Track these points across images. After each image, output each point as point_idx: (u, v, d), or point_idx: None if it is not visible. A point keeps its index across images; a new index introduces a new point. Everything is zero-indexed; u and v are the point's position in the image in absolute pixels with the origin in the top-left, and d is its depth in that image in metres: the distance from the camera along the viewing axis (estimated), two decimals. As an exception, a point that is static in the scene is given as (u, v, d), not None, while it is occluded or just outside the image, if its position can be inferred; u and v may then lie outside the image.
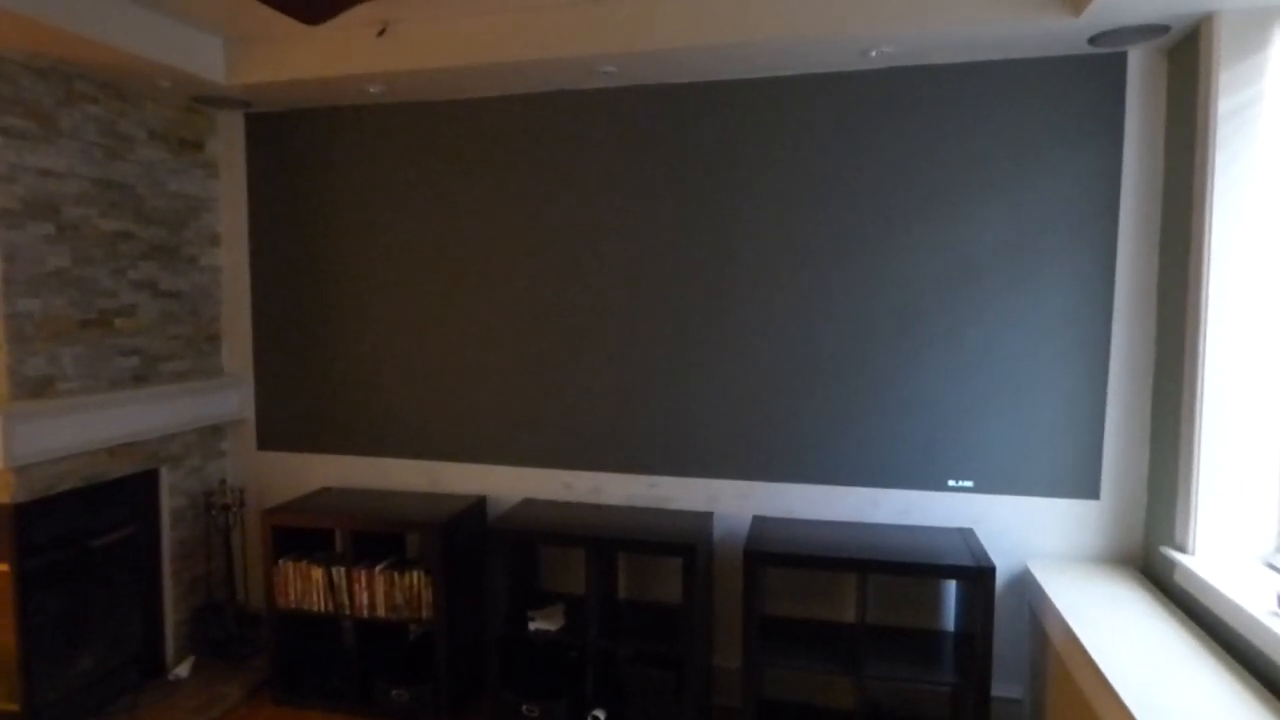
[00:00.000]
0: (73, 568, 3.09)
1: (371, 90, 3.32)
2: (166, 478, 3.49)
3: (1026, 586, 2.99)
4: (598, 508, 3.35)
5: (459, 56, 2.98)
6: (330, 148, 3.60)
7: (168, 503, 3.50)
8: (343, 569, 3.28)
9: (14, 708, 2.91)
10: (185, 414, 3.49)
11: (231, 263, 3.78)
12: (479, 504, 3.48)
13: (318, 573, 3.30)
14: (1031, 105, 2.89)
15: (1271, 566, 2.39)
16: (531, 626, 3.11)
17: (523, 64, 2.97)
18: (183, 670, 3.50)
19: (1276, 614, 2.05)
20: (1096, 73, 2.83)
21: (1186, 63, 2.61)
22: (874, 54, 2.85)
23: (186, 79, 3.15)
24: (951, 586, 3.10)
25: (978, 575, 2.66)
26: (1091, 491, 2.93)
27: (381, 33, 3.04)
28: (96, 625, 3.19)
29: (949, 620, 3.10)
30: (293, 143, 3.64)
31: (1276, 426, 2.40)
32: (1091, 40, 2.66)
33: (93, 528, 3.18)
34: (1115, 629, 2.36)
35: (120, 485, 3.28)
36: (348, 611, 3.29)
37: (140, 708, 3.23)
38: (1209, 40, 2.41)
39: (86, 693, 3.13)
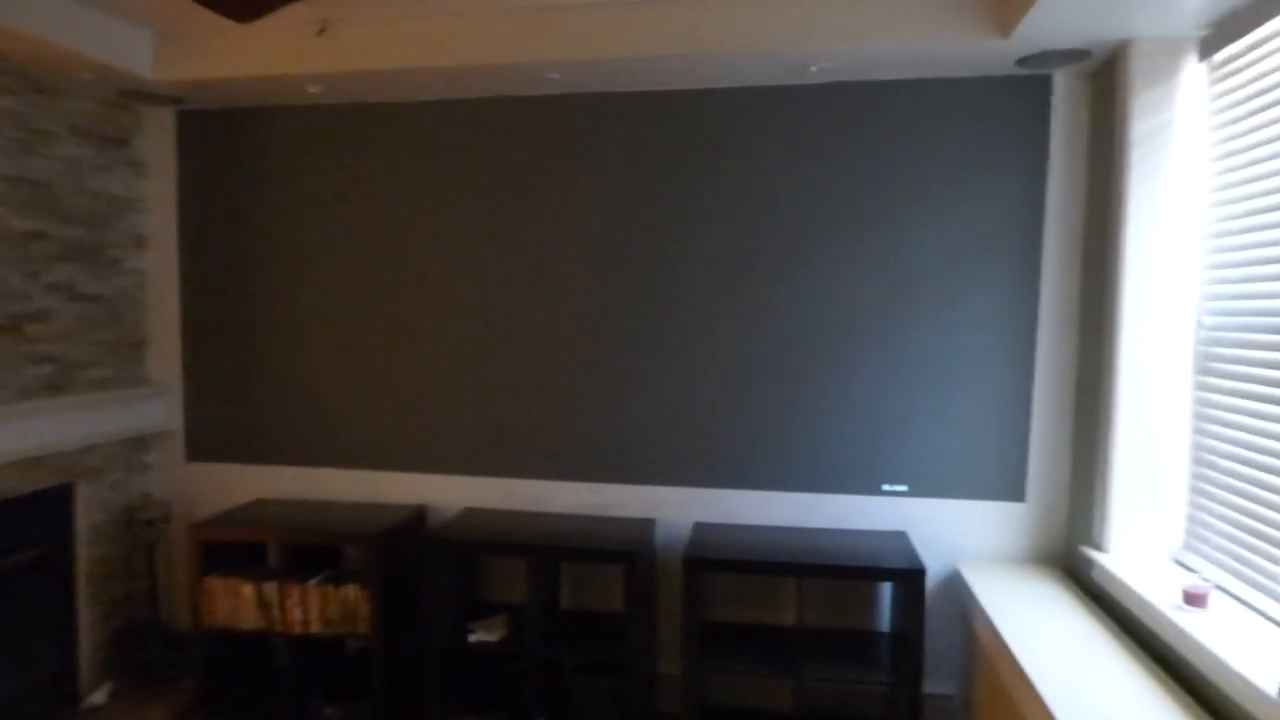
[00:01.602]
0: (-22, 589, 2.91)
1: (311, 90, 3.25)
2: (84, 492, 3.31)
3: (957, 587, 3.11)
4: (540, 516, 3.33)
5: (401, 59, 2.94)
6: (267, 148, 3.50)
7: (84, 519, 3.32)
8: (275, 584, 3.17)
9: (-89, 740, 2.72)
10: (106, 425, 3.32)
11: (159, 266, 3.62)
12: (419, 514, 3.42)
13: (248, 589, 3.19)
14: (964, 123, 3.02)
15: (1179, 563, 2.54)
16: (472, 638, 3.07)
17: (467, 69, 2.95)
18: (98, 697, 3.32)
19: (1181, 608, 2.18)
20: (1024, 93, 2.97)
21: (1106, 87, 2.77)
22: (814, 69, 2.93)
23: (111, 72, 3.01)
24: (886, 588, 3.19)
25: (910, 577, 2.75)
26: (1018, 495, 3.07)
27: (321, 32, 2.98)
28: (2, 651, 3.00)
29: (884, 621, 3.19)
30: (227, 142, 3.52)
31: (1183, 431, 2.55)
32: (1019, 62, 2.80)
33: None
34: (1037, 626, 2.47)
35: (31, 501, 3.10)
36: (280, 628, 3.18)
37: (53, 735, 3.06)
38: (1125, 66, 2.57)
39: (-8, 721, 2.95)
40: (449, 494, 3.47)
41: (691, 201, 3.21)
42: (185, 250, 3.59)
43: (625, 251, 3.27)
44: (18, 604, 3.08)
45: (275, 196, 3.51)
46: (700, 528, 3.18)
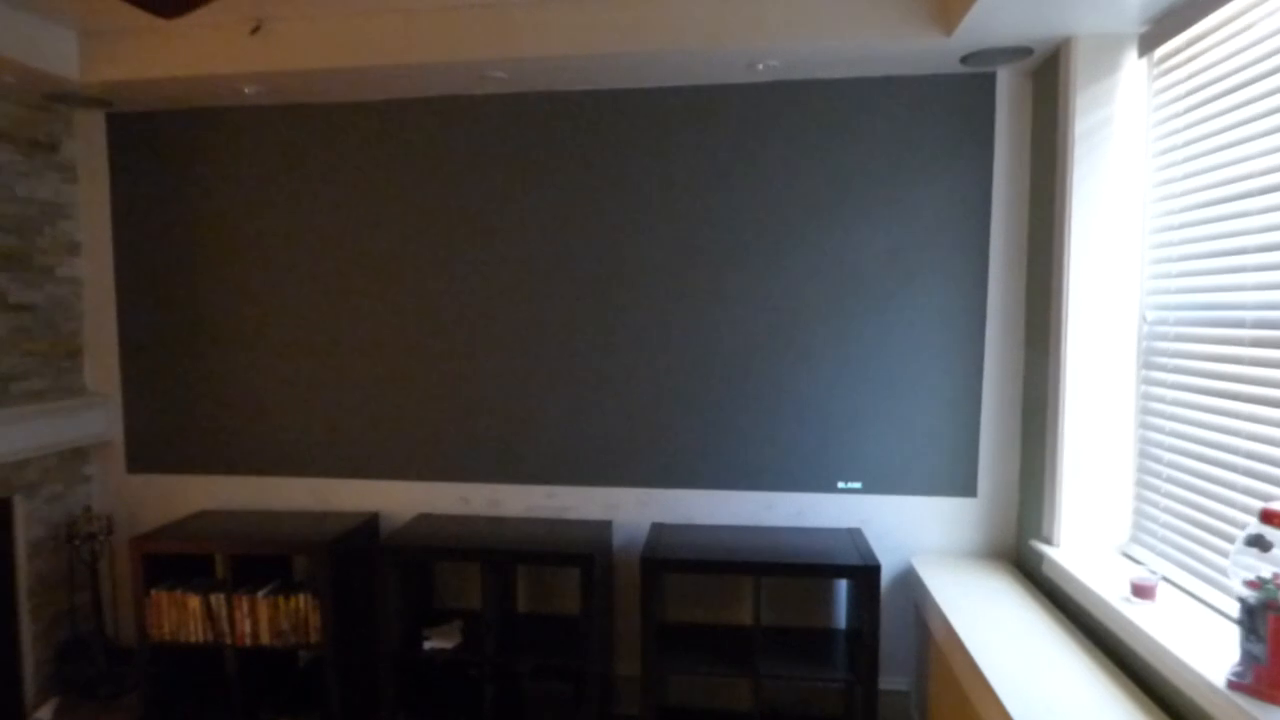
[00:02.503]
0: (-91, 610, 2.81)
1: (246, 91, 3.15)
2: (21, 507, 3.21)
3: (911, 582, 3.12)
4: (495, 520, 3.29)
5: (339, 58, 2.86)
6: (203, 151, 3.39)
7: (24, 534, 3.22)
8: (222, 596, 3.10)
9: None
10: (42, 437, 3.22)
11: (94, 273, 3.51)
12: (371, 521, 3.36)
13: (194, 601, 3.11)
14: (910, 121, 3.01)
15: (1126, 556, 2.57)
16: (427, 645, 3.02)
17: (409, 67, 2.88)
18: (44, 714, 3.24)
19: (1129, 600, 2.20)
20: (969, 91, 2.97)
21: (1048, 84, 2.78)
22: (761, 67, 2.90)
23: (33, 75, 2.90)
24: (843, 585, 3.19)
25: (864, 573, 2.75)
26: (969, 490, 3.08)
27: (255, 30, 2.89)
28: (-61, 671, 2.92)
29: (841, 618, 3.20)
30: (161, 145, 3.41)
31: (1129, 426, 2.57)
32: (963, 60, 2.79)
33: (-68, 565, 2.90)
34: (989, 619, 2.49)
35: (-35, 517, 3.01)
36: (229, 640, 3.12)
37: (-7, 758, 2.97)
38: (1066, 63, 2.57)
39: (-72, 746, 2.86)
40: (402, 500, 3.41)
41: (641, 202, 3.17)
42: (121, 256, 3.49)
43: (575, 252, 3.22)
44: (-47, 624, 2.98)
45: (213, 200, 3.41)
46: (657, 528, 3.16)
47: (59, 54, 2.91)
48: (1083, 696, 2.02)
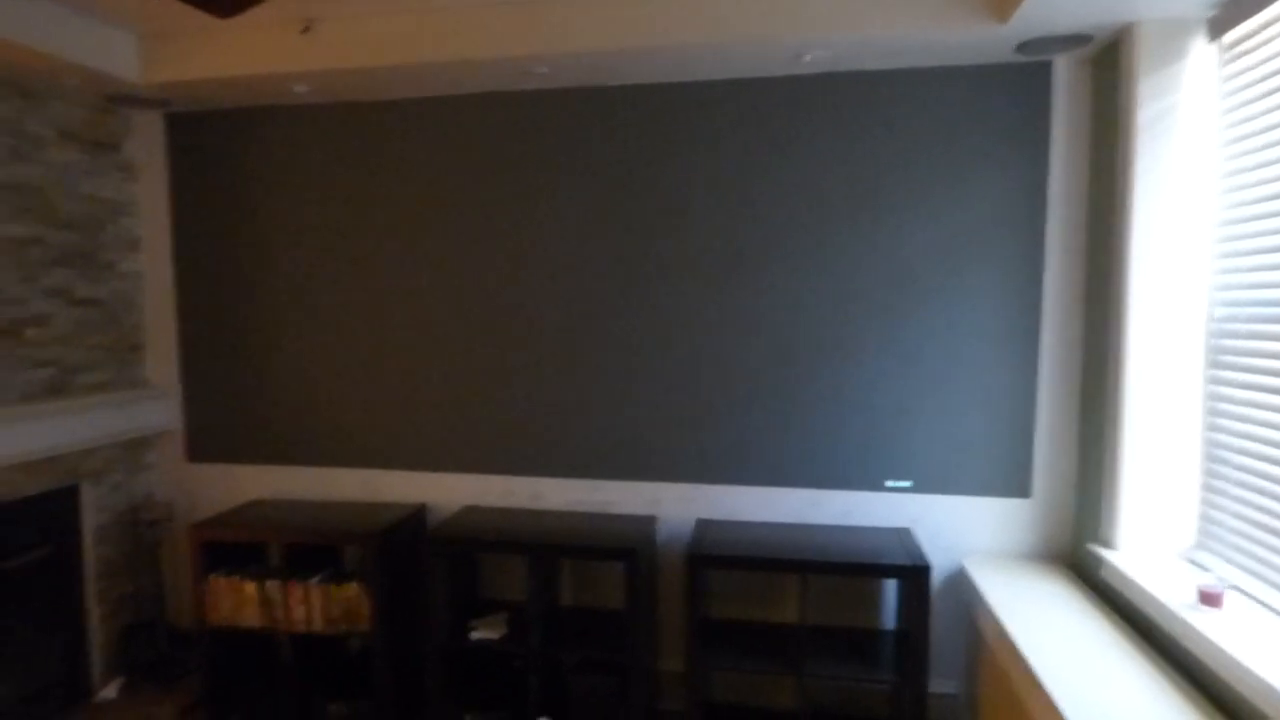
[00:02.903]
0: (-16, 592, 2.95)
1: (297, 90, 3.21)
2: (89, 494, 3.34)
3: (962, 584, 3.06)
4: (539, 514, 3.31)
5: (387, 56, 2.89)
6: (256, 148, 3.47)
7: (90, 520, 3.35)
8: (277, 583, 3.18)
9: (-78, 742, 2.76)
10: (107, 427, 3.34)
11: (154, 268, 3.62)
12: (418, 512, 3.41)
13: (251, 587, 3.20)
14: (962, 111, 2.93)
15: (1192, 562, 2.47)
16: (473, 636, 3.06)
17: (454, 64, 2.90)
18: (110, 692, 3.36)
19: (1196, 608, 2.12)
20: (1024, 80, 2.88)
21: (1108, 72, 2.67)
22: (807, 58, 2.85)
23: (96, 77, 2.99)
24: (891, 586, 3.14)
25: (914, 574, 2.70)
26: (1023, 490, 3.00)
27: (305, 30, 2.93)
28: (13, 651, 3.05)
29: (889, 619, 3.15)
30: (216, 143, 3.50)
31: (1195, 426, 2.47)
32: (1018, 48, 2.70)
33: (5, 549, 3.02)
34: (1044, 624, 2.42)
35: (36, 503, 3.13)
36: (283, 626, 3.20)
37: (63, 734, 3.10)
38: (1129, 50, 2.47)
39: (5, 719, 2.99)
40: (448, 492, 3.46)
41: (686, 195, 3.15)
42: (179, 252, 3.59)
43: (621, 246, 3.22)
44: (30, 602, 3.12)
45: (266, 197, 3.48)
46: (702, 524, 3.15)
47: (120, 57, 2.99)
48: (1145, 706, 1.95)
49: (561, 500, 3.37)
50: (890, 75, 2.96)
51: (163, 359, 3.65)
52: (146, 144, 3.56)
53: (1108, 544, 2.62)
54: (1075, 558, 2.94)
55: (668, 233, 3.18)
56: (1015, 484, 3.00)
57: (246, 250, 3.53)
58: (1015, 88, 2.88)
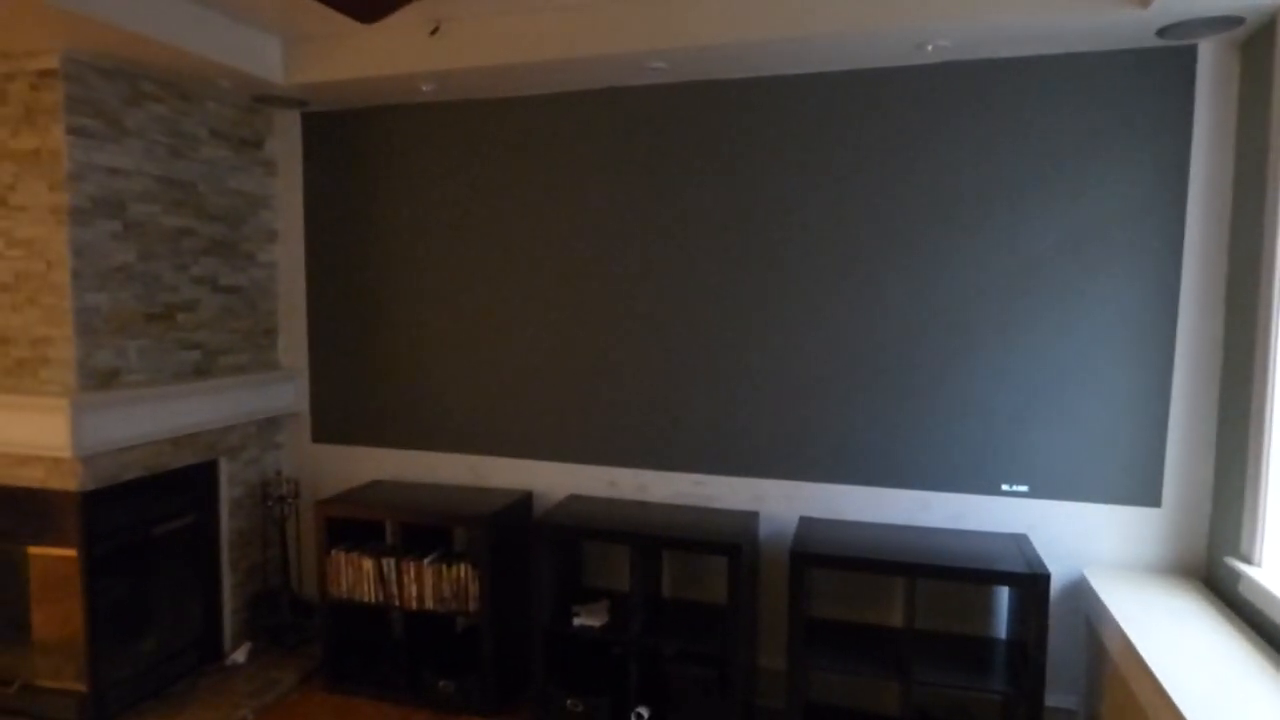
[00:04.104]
0: (136, 554, 3.21)
1: (423, 89, 3.36)
2: (225, 468, 3.59)
3: (1083, 595, 2.92)
4: (642, 505, 3.36)
5: (510, 54, 3.00)
6: (383, 146, 3.65)
7: (227, 493, 3.60)
8: (393, 560, 3.34)
9: (81, 688, 3.03)
10: (244, 406, 3.58)
11: (288, 259, 3.86)
12: (525, 499, 3.51)
13: (368, 564, 3.37)
14: (1094, 101, 2.80)
15: (1346, 581, 2.29)
16: (576, 622, 3.13)
17: (574, 61, 2.98)
18: (240, 655, 3.60)
19: (1352, 632, 1.97)
20: (1164, 67, 2.73)
21: (1260, 57, 2.51)
22: (930, 48, 2.79)
23: (246, 79, 3.22)
24: (1004, 593, 3.03)
25: (1032, 582, 2.60)
26: (1152, 499, 2.85)
27: (434, 31, 3.07)
28: (158, 610, 3.31)
29: (1000, 628, 3.04)
30: (347, 141, 3.70)
31: (1354, 436, 2.30)
32: (1160, 33, 2.57)
33: (155, 516, 3.29)
34: (1176, 641, 2.29)
35: (181, 475, 3.39)
36: (397, 602, 3.35)
37: (199, 690, 3.33)
38: (1288, 32, 2.31)
39: (148, 675, 3.24)
40: (554, 481, 3.55)
41: (799, 189, 3.13)
42: (310, 244, 3.81)
43: (732, 241, 3.23)
44: (173, 566, 3.38)
45: (391, 192, 3.66)
46: (806, 522, 3.12)
47: (266, 60, 3.21)
48: (1295, 731, 1.83)
49: (665, 493, 3.40)
50: (1017, 63, 2.86)
51: (294, 344, 3.89)
52: (285, 142, 3.81)
53: (1247, 558, 2.46)
54: (1209, 572, 2.77)
55: (781, 227, 3.17)
56: (1144, 492, 2.85)
57: (370, 243, 3.72)
58: (1155, 75, 2.74)
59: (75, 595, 3.00)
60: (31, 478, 2.94)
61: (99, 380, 3.01)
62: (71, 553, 2.98)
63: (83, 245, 2.93)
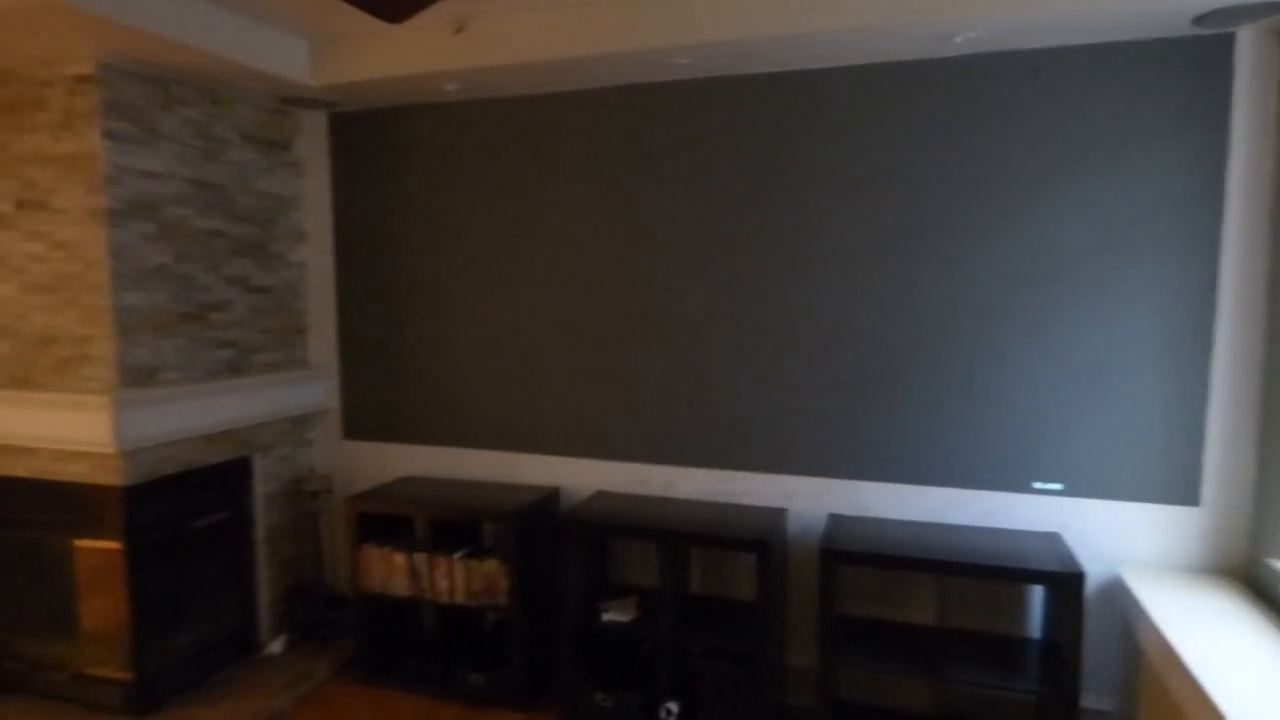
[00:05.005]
0: (175, 548, 3.29)
1: (448, 88, 3.38)
2: (259, 464, 3.65)
3: (1118, 595, 2.87)
4: (670, 501, 3.36)
5: (534, 52, 3.00)
6: (409, 145, 3.68)
7: (261, 488, 3.67)
8: (423, 555, 3.38)
9: (126, 676, 3.11)
10: (276, 404, 3.64)
11: (317, 259, 3.91)
12: (552, 495, 3.53)
13: (400, 558, 3.41)
14: (1126, 92, 2.73)
15: (1395, 583, 2.23)
16: (604, 618, 3.15)
17: (598, 57, 2.97)
18: (276, 647, 3.67)
19: (1401, 636, 1.92)
20: (1200, 55, 2.66)
21: (1308, 41, 2.43)
22: (958, 39, 2.74)
23: (275, 81, 3.26)
24: (1037, 592, 2.99)
25: (1066, 581, 2.57)
26: (1191, 498, 2.79)
27: (459, 30, 3.08)
28: (197, 603, 3.39)
29: (1033, 627, 3.00)
30: (373, 141, 3.73)
31: (1404, 434, 2.23)
32: (1196, 20, 2.50)
33: (192, 511, 3.36)
34: (1217, 643, 2.25)
35: (217, 471, 3.46)
36: (428, 597, 3.40)
37: (237, 681, 3.41)
38: (1335, 16, 2.24)
39: (190, 665, 3.33)
40: (581, 477, 3.56)
41: (824, 185, 3.10)
42: (339, 244, 3.86)
43: (756, 238, 3.21)
44: (211, 560, 3.46)
45: (417, 191, 3.69)
46: (835, 519, 3.10)
47: (293, 62, 3.25)
48: (1339, 738, 1.78)
49: (693, 489, 3.40)
50: (1046, 54, 2.80)
51: (323, 343, 3.94)
52: (312, 143, 3.85)
53: (1292, 560, 2.40)
54: (1251, 572, 2.71)
55: (808, 222, 3.14)
56: (1181, 490, 2.79)
57: (397, 242, 3.75)
58: (1190, 64, 2.67)
59: (119, 587, 3.08)
60: (77, 472, 3.02)
61: (137, 378, 3.07)
62: (115, 545, 3.07)
63: (119, 246, 2.99)
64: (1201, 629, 2.34)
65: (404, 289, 3.76)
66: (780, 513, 3.20)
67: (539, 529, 3.39)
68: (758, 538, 2.90)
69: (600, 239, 3.43)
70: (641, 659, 3.35)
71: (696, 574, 3.44)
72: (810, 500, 3.24)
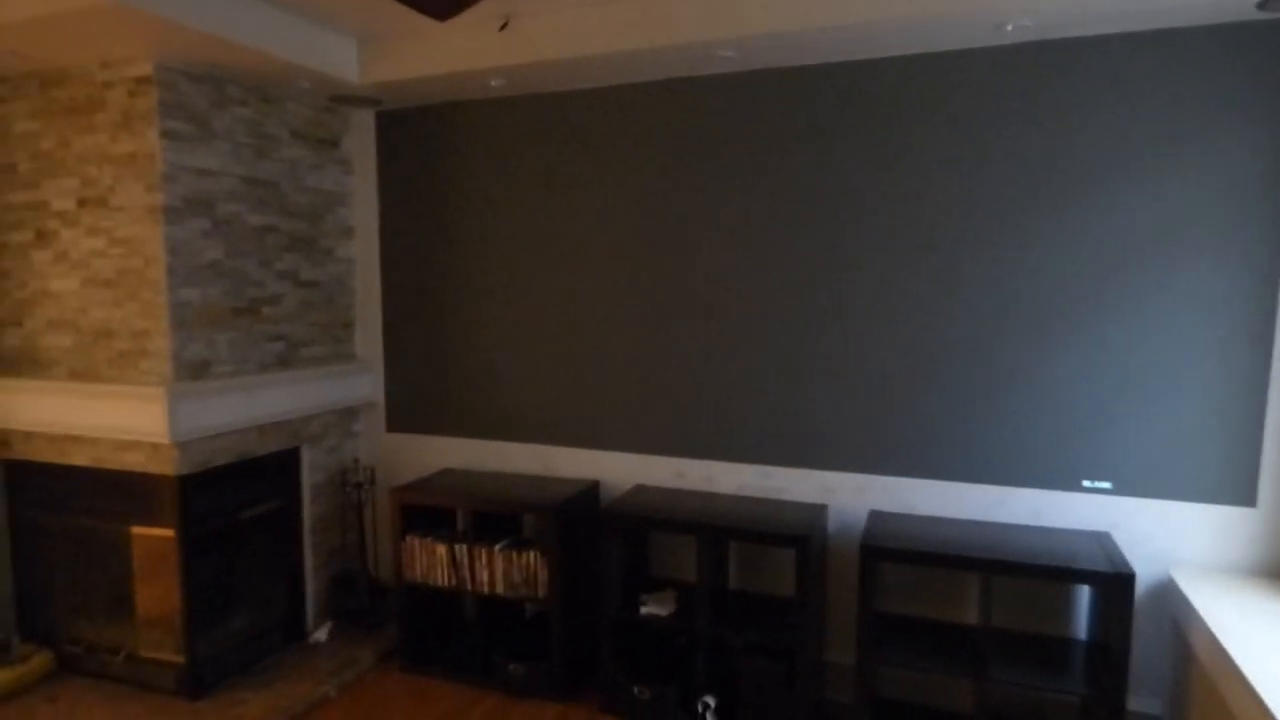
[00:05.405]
0: (227, 537, 3.38)
1: (492, 84, 3.41)
2: (307, 455, 3.74)
3: (1169, 596, 2.81)
4: (709, 496, 3.36)
5: (578, 47, 3.02)
6: (453, 142, 3.73)
7: (308, 479, 3.75)
8: (465, 546, 3.43)
9: (179, 660, 3.22)
10: (324, 396, 3.72)
11: (364, 254, 3.99)
12: (592, 488, 3.56)
13: (442, 549, 3.47)
14: (1186, 80, 2.66)
15: None
16: (643, 611, 3.16)
17: (642, 52, 2.98)
18: (321, 635, 3.76)
19: None
20: (1265, 42, 2.58)
21: (1377, 26, 2.34)
22: (1010, 28, 2.69)
23: (325, 79, 3.33)
24: (1084, 592, 2.94)
25: (1116, 581, 2.51)
26: (1247, 499, 2.71)
27: (504, 27, 3.11)
28: (246, 590, 3.48)
29: (1079, 628, 2.95)
30: (419, 138, 3.79)
31: None
32: (1261, 5, 2.42)
33: (243, 500, 3.45)
34: (1273, 647, 2.19)
35: (267, 462, 3.55)
36: (469, 587, 3.44)
37: (284, 666, 3.50)
38: (1407, 0, 2.15)
39: (239, 650, 3.42)
40: (621, 471, 3.58)
41: (872, 175, 3.07)
42: (385, 240, 3.93)
43: (799, 233, 3.19)
44: (260, 549, 3.55)
45: (462, 188, 3.74)
46: (876, 516, 3.08)
47: (342, 60, 3.31)
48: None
49: (732, 484, 3.40)
50: (1102, 42, 2.74)
51: (369, 336, 4.01)
52: (360, 140, 3.92)
53: (1356, 564, 2.33)
54: (1311, 577, 2.63)
55: (852, 215, 3.11)
56: (1237, 491, 2.72)
57: (442, 237, 3.80)
58: (1254, 50, 2.59)
59: (173, 573, 3.18)
60: (134, 462, 3.13)
61: (192, 371, 3.17)
62: (170, 533, 3.17)
63: (176, 243, 3.09)
64: (1256, 632, 2.27)
65: (447, 283, 3.82)
66: (820, 509, 3.19)
67: (579, 522, 3.42)
68: (797, 533, 2.89)
69: (642, 234, 3.44)
70: (679, 653, 3.36)
71: (735, 569, 3.44)
72: (852, 496, 3.22)
